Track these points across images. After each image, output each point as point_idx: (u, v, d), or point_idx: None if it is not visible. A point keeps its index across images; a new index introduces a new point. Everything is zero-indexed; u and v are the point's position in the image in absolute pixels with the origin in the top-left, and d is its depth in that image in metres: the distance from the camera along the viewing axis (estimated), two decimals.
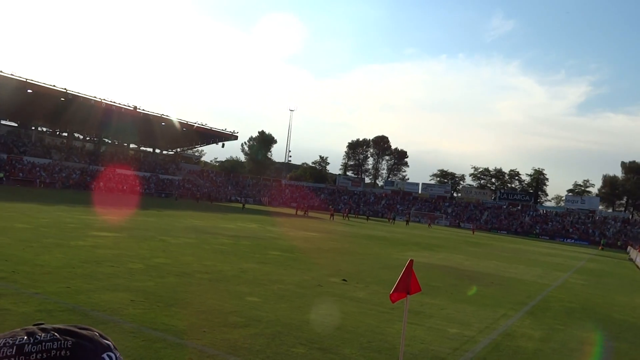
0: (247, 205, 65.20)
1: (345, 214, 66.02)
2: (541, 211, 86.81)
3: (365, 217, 71.93)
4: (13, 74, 54.89)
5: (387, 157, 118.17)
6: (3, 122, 68.63)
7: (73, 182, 61.64)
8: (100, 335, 0.94)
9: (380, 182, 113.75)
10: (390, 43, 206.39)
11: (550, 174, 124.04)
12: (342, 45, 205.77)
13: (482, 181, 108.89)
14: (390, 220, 68.69)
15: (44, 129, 76.38)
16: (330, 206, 74.11)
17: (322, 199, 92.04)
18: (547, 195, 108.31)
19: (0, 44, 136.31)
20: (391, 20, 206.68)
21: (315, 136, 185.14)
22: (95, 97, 62.91)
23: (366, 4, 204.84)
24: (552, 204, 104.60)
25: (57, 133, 77.33)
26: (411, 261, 6.05)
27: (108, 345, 0.92)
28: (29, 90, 56.33)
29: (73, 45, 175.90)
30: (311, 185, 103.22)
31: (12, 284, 8.70)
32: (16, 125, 71.38)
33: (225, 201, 77.92)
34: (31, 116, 69.83)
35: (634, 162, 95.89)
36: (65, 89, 59.30)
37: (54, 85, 58.68)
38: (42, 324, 0.90)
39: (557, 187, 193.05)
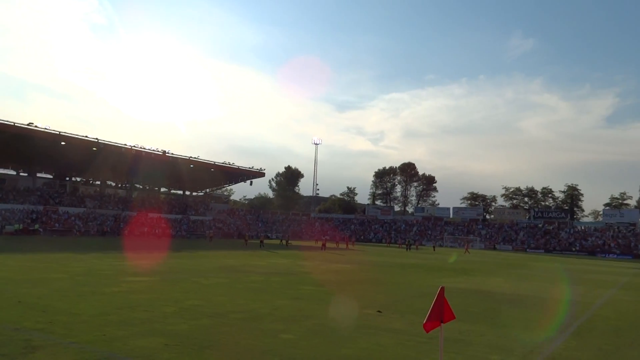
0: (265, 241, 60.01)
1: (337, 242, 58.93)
2: (579, 227, 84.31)
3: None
4: (47, 128, 57.25)
5: (415, 184, 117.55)
6: (39, 175, 71.13)
7: (107, 229, 62.99)
8: None
9: (410, 209, 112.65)
10: (410, 71, 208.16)
11: (584, 189, 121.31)
12: (362, 77, 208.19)
13: (514, 201, 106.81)
14: (407, 247, 61.08)
15: (78, 179, 78.70)
16: (324, 236, 66.59)
17: (352, 229, 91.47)
18: (583, 211, 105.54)
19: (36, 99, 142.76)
20: (409, 48, 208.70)
21: (341, 167, 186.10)
22: (125, 144, 64.91)
23: (383, 34, 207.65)
24: (590, 219, 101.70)
25: (91, 182, 79.58)
26: (442, 288, 5.90)
27: None
28: (62, 143, 58.46)
29: (97, 93, 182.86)
30: (340, 216, 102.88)
31: (49, 334, 8.81)
32: (51, 177, 73.86)
33: (256, 238, 78.00)
34: (65, 167, 72.30)
35: None
36: (97, 139, 61.39)
37: (86, 136, 60.87)
38: None
39: (593, 202, 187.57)
